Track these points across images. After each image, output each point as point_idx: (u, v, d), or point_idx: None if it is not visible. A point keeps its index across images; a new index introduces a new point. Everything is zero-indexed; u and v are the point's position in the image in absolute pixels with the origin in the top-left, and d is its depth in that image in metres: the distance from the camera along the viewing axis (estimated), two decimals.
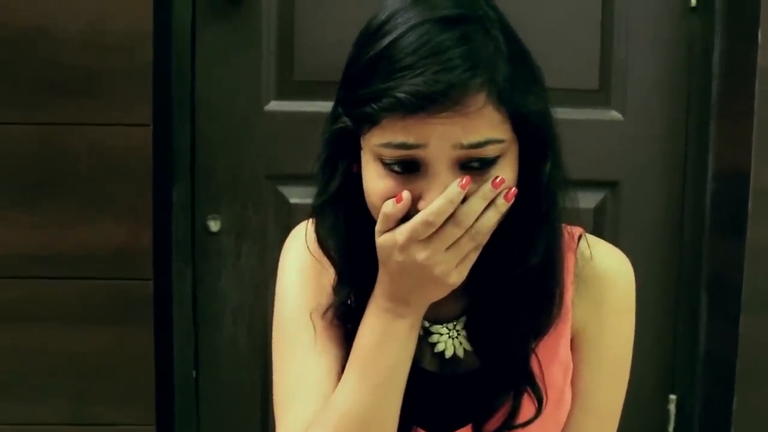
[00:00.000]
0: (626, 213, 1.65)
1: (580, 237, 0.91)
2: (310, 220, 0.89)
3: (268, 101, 1.61)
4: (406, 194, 0.78)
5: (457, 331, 0.88)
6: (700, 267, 1.64)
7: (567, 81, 1.58)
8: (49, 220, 1.45)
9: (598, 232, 1.60)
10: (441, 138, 0.76)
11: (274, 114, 1.60)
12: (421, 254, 0.78)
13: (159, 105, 1.49)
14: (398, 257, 0.79)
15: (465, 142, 0.77)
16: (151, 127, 1.45)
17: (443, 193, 0.77)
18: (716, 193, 1.61)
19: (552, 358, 0.89)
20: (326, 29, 1.57)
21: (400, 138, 0.77)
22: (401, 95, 0.75)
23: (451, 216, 0.78)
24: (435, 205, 0.77)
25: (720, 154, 1.60)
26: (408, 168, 0.78)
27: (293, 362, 0.89)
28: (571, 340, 0.91)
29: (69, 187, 1.45)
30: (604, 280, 0.90)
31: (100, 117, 1.44)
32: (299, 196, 1.59)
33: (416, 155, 0.78)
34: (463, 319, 0.88)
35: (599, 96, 1.63)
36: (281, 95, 1.60)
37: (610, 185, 1.64)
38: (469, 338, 0.88)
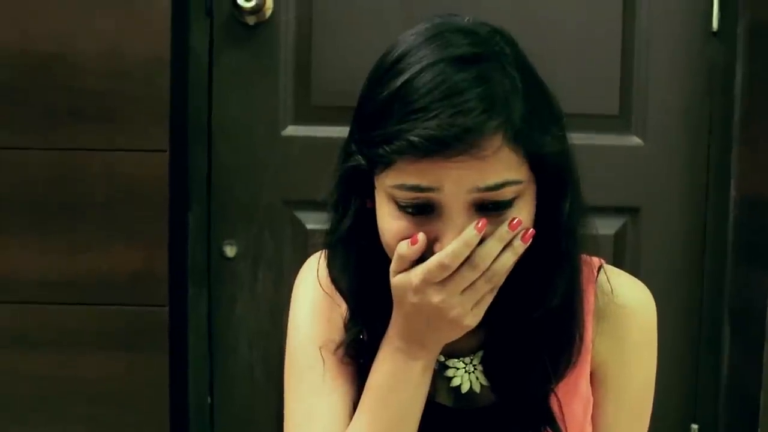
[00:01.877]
0: (647, 240, 1.62)
1: (599, 269, 0.89)
2: (324, 251, 0.88)
3: (285, 126, 1.60)
4: (421, 236, 0.77)
5: (474, 365, 0.87)
6: (722, 296, 1.61)
7: (586, 106, 1.57)
8: (64, 245, 1.45)
9: (618, 259, 1.60)
10: (456, 182, 0.75)
11: (291, 139, 1.60)
12: (436, 297, 0.77)
13: (175, 130, 1.48)
14: (413, 299, 0.78)
15: (481, 185, 0.75)
16: (168, 152, 1.44)
17: (459, 236, 0.76)
18: (739, 219, 1.58)
19: (572, 395, 0.87)
20: (344, 54, 1.56)
21: (413, 180, 0.75)
22: (414, 138, 0.73)
23: (467, 258, 0.76)
24: (451, 248, 0.76)
25: (742, 180, 1.58)
26: (422, 210, 0.77)
27: (303, 399, 0.88)
28: (591, 374, 0.89)
29: (84, 212, 1.45)
30: (625, 314, 0.88)
31: (116, 142, 1.44)
32: (316, 221, 1.54)
33: (430, 198, 0.76)
34: (480, 353, 0.87)
35: (619, 121, 1.61)
36: (299, 120, 1.60)
37: (631, 212, 1.62)
38: (486, 373, 0.86)
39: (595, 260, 0.90)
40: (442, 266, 0.76)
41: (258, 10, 1.56)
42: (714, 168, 1.61)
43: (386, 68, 0.78)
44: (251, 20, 1.57)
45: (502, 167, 0.75)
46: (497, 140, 0.74)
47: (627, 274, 0.92)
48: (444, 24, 0.79)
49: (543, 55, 0.82)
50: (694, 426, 1.66)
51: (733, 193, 1.59)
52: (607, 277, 0.88)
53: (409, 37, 0.79)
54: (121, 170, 1.44)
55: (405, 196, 0.76)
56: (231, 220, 1.61)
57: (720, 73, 1.59)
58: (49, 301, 1.46)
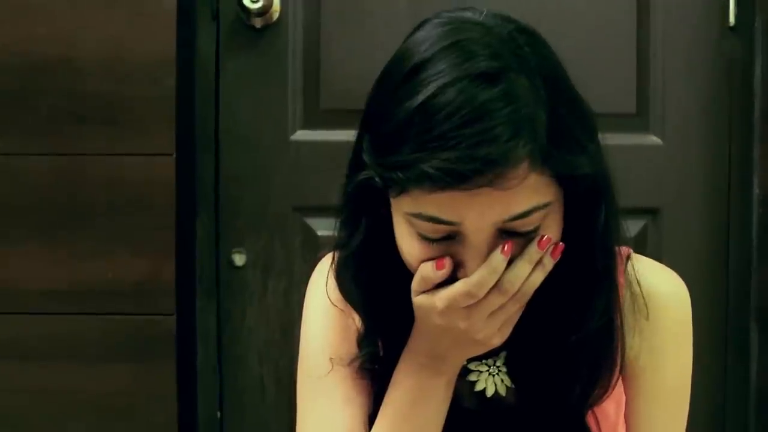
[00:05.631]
0: (668, 242, 1.58)
1: (628, 258, 0.85)
2: (333, 254, 0.83)
3: (294, 130, 1.57)
4: (448, 262, 0.72)
5: (498, 367, 0.82)
6: (748, 298, 1.56)
7: (603, 105, 1.47)
8: (68, 253, 1.42)
9: None
10: (478, 216, 0.70)
11: (300, 144, 1.57)
12: (462, 323, 0.73)
13: (182, 135, 1.46)
14: (438, 320, 0.74)
15: (506, 216, 0.70)
16: (174, 156, 1.42)
17: (486, 263, 0.71)
18: (763, 218, 1.55)
19: None
20: (353, 56, 1.54)
21: (431, 212, 0.70)
22: (431, 170, 0.67)
23: (495, 283, 0.72)
24: (477, 276, 0.71)
25: (765, 177, 1.54)
26: (443, 237, 0.72)
27: (317, 411, 0.84)
28: (623, 371, 0.83)
29: (89, 219, 1.42)
30: (657, 307, 0.84)
31: (121, 146, 1.42)
32: (327, 228, 1.50)
33: (451, 230, 0.71)
34: (504, 354, 0.82)
35: (637, 120, 1.58)
36: (308, 124, 1.57)
37: (651, 213, 1.59)
38: (511, 374, 0.82)
39: (624, 249, 0.85)
40: (468, 294, 0.72)
41: (265, 12, 1.54)
42: (735, 166, 1.57)
43: (399, 81, 0.70)
44: (258, 23, 1.55)
45: (529, 193, 0.69)
46: (524, 168, 0.68)
47: (658, 264, 0.88)
48: (459, 28, 0.72)
49: (556, 54, 0.77)
50: None
51: (756, 191, 1.55)
52: (638, 268, 0.84)
53: (420, 46, 0.71)
54: (127, 175, 1.42)
55: (424, 226, 0.72)
56: (239, 228, 1.58)
57: (738, 69, 1.56)
58: (53, 311, 1.43)
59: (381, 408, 0.80)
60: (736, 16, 1.55)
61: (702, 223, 1.59)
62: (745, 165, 1.56)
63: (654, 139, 1.58)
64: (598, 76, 1.55)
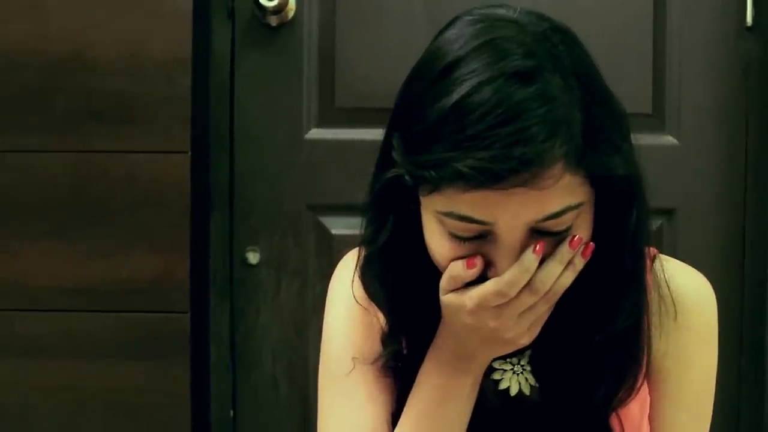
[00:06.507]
0: (683, 242, 1.57)
1: (654, 258, 0.84)
2: (359, 252, 0.82)
3: (308, 129, 1.57)
4: (479, 261, 0.72)
5: (522, 366, 0.82)
6: (764, 299, 1.55)
7: None
8: (83, 250, 1.42)
9: None
10: (512, 217, 0.69)
11: (315, 142, 1.57)
12: (492, 322, 0.73)
13: (197, 133, 1.46)
14: (467, 319, 0.74)
15: (540, 216, 0.70)
16: (189, 154, 1.42)
17: (517, 262, 0.71)
18: None
19: None
20: (368, 54, 1.53)
21: (464, 211, 0.70)
22: (465, 170, 0.66)
23: (527, 283, 0.71)
24: (509, 276, 0.71)
25: None
26: (474, 236, 0.72)
27: (338, 410, 0.83)
28: (648, 372, 0.83)
29: (104, 216, 1.42)
30: (686, 307, 0.83)
31: (136, 144, 1.41)
32: (342, 227, 1.54)
33: (483, 229, 0.71)
34: (529, 353, 0.82)
35: (653, 120, 1.57)
36: (322, 123, 1.57)
37: (666, 213, 1.58)
38: (535, 373, 0.82)
39: (650, 250, 0.85)
40: (499, 293, 0.71)
41: (280, 10, 1.53)
42: (752, 166, 1.56)
43: (432, 80, 0.70)
44: (274, 21, 1.55)
45: (563, 193, 0.69)
46: (558, 168, 0.68)
47: (684, 264, 0.88)
48: (492, 25, 0.71)
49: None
50: None
51: None
52: (666, 268, 0.84)
53: (453, 44, 0.70)
54: (142, 173, 1.41)
55: (455, 225, 0.71)
56: (253, 226, 1.58)
57: (755, 69, 1.55)
58: (67, 308, 1.43)
59: (405, 407, 0.80)
60: (754, 16, 1.55)
61: (718, 223, 1.58)
62: (761, 165, 1.56)
63: (670, 140, 1.57)
64: (614, 76, 1.48)
